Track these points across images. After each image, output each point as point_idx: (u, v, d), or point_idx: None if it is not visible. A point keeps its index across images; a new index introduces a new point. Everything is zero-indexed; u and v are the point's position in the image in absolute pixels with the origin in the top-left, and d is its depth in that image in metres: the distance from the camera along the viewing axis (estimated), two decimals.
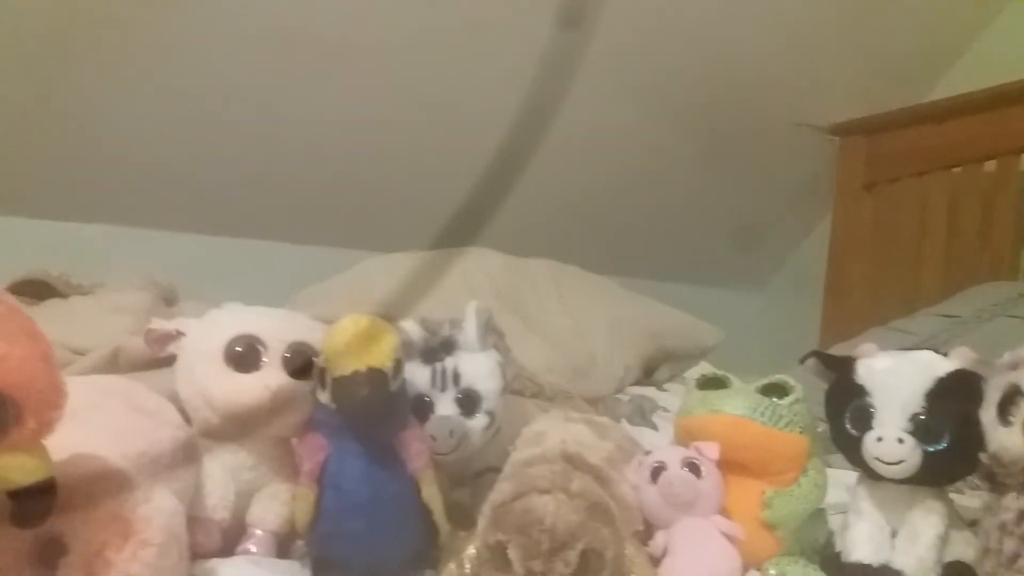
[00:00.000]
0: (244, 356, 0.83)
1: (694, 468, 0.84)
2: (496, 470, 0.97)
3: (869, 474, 0.87)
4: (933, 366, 0.85)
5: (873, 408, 0.85)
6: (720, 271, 2.68)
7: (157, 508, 0.64)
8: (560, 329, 1.65)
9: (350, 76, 2.01)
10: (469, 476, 0.99)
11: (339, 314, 0.89)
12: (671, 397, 1.54)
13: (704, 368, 1.68)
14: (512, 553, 0.73)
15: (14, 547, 0.61)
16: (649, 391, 1.56)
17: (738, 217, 2.62)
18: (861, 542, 0.87)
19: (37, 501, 0.55)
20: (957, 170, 2.14)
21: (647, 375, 1.69)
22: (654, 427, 1.36)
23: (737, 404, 0.88)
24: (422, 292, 1.72)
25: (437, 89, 2.07)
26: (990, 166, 2.09)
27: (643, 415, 1.37)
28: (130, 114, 1.92)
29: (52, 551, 0.60)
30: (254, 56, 1.91)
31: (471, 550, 0.84)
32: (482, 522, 0.80)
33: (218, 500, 0.83)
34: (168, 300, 1.24)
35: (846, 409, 0.87)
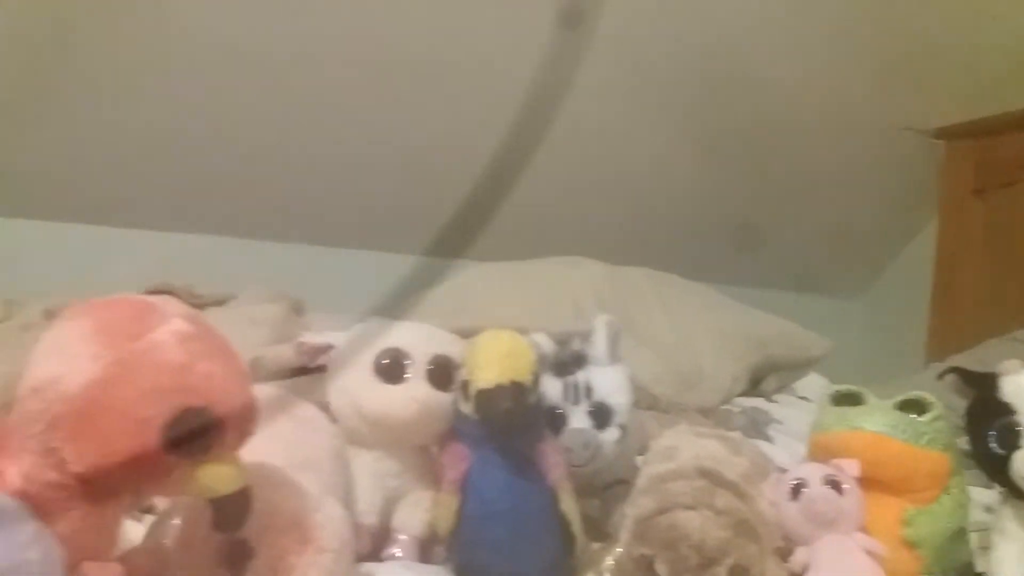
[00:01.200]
0: (391, 368, 0.86)
1: (835, 485, 0.84)
2: (625, 482, 0.98)
3: (1016, 494, 0.85)
4: None
5: (1021, 427, 0.83)
6: (818, 278, 2.63)
7: (329, 515, 0.68)
8: (666, 339, 1.65)
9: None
10: (598, 488, 1.00)
11: (476, 328, 0.92)
12: (783, 408, 1.53)
13: (817, 380, 1.67)
14: (660, 568, 0.75)
15: (205, 549, 0.65)
16: (759, 402, 1.55)
17: (835, 223, 2.57)
18: (1007, 562, 0.85)
19: (236, 508, 0.59)
20: None
21: (753, 386, 1.68)
22: (769, 439, 1.35)
23: (877, 421, 0.88)
24: (523, 301, 1.75)
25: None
26: None
27: (757, 428, 1.36)
28: (235, 127, 1.99)
29: (240, 555, 0.64)
30: (359, 81, 1.96)
31: (609, 561, 0.86)
32: (624, 535, 0.81)
33: (367, 505, 0.87)
34: (297, 311, 1.30)
35: (991, 427, 0.86)
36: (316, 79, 1.97)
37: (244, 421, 0.59)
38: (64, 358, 0.56)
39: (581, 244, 1.98)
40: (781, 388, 1.65)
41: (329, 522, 0.67)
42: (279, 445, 0.74)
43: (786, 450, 1.28)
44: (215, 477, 0.58)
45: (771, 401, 1.57)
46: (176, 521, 0.70)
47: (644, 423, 1.24)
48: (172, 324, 0.58)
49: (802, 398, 1.62)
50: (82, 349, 0.56)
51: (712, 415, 1.42)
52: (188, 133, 1.98)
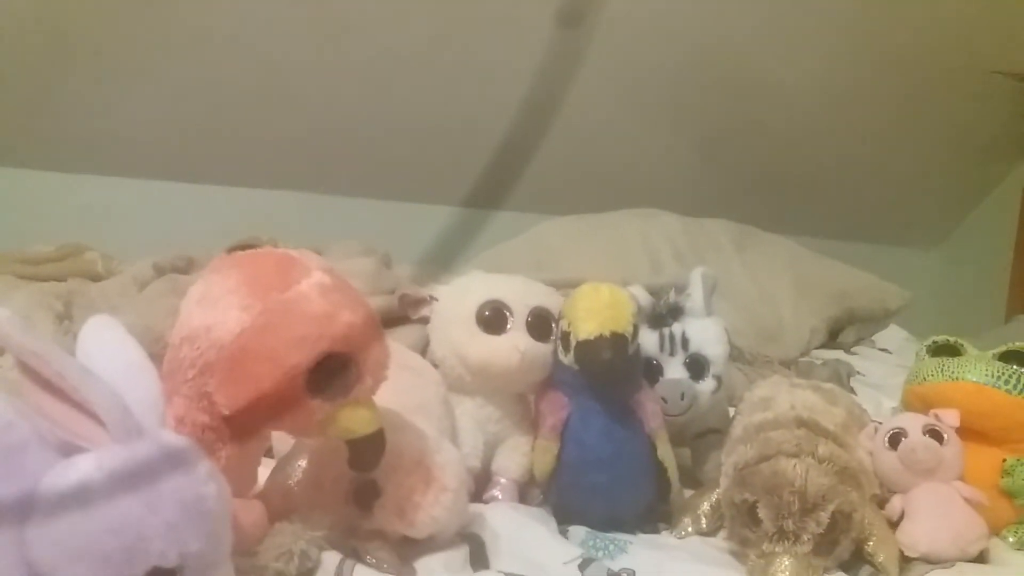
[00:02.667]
0: (493, 319, 0.89)
1: (935, 435, 0.84)
2: (716, 431, 1.00)
3: None
4: None
5: None
6: (896, 228, 2.57)
7: (448, 458, 0.72)
8: (744, 291, 1.65)
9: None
10: (689, 437, 1.03)
11: (572, 280, 0.94)
12: (863, 361, 1.52)
13: (896, 331, 1.65)
14: (763, 512, 0.77)
15: (335, 490, 0.69)
16: (839, 354, 1.54)
17: (915, 171, 2.50)
18: None
19: (372, 449, 0.63)
20: None
21: (832, 338, 1.67)
22: (852, 391, 1.35)
23: (979, 371, 0.88)
24: (601, 254, 1.76)
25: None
26: None
27: (840, 379, 1.36)
28: (311, 84, 2.01)
29: (369, 494, 0.68)
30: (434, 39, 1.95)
31: (706, 506, 0.89)
32: (725, 481, 0.83)
33: (470, 449, 0.90)
34: (386, 264, 1.33)
35: None
36: (384, 38, 1.97)
37: (379, 367, 0.62)
38: (216, 309, 0.60)
39: (656, 196, 1.98)
40: (860, 340, 1.64)
41: (449, 463, 0.71)
42: (392, 392, 0.76)
43: (869, 401, 1.28)
44: (355, 419, 0.61)
45: (850, 353, 1.57)
46: (301, 463, 0.74)
47: (731, 374, 1.25)
48: (314, 276, 0.62)
49: (882, 350, 1.61)
50: (233, 300, 0.59)
51: (793, 367, 1.43)
52: (269, 92, 2.01)
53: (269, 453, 0.90)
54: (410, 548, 0.70)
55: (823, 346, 1.63)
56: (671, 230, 1.80)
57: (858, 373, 1.41)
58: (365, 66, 2.01)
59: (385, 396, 0.75)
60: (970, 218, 2.63)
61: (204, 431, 0.61)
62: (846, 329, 1.70)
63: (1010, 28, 2.13)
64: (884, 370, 1.45)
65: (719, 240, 1.79)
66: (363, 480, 0.68)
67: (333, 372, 0.60)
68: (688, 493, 0.95)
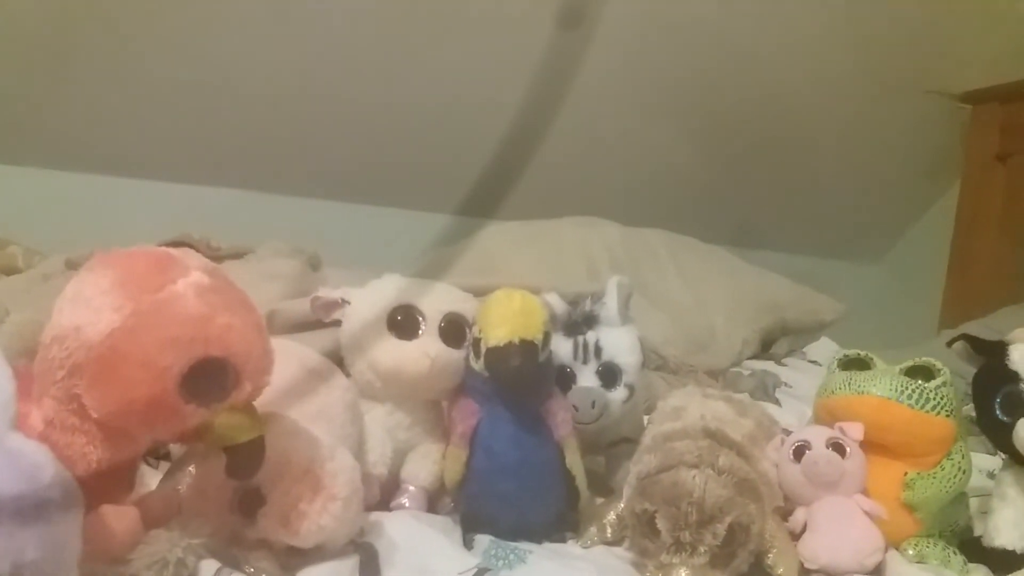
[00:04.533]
0: (405, 324, 0.88)
1: (839, 448, 0.85)
2: (630, 441, 1.00)
3: (1018, 460, 0.86)
4: None
5: None
6: (839, 243, 2.62)
7: (340, 464, 0.70)
8: (678, 301, 1.66)
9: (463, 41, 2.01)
10: (603, 445, 1.02)
11: (488, 286, 0.94)
12: (792, 372, 1.53)
13: (828, 344, 1.67)
14: (660, 523, 0.76)
15: (218, 497, 0.67)
16: (769, 365, 1.56)
17: (858, 187, 2.54)
18: (1005, 528, 0.86)
19: (250, 457, 0.61)
20: None
21: (764, 348, 1.69)
22: (777, 403, 1.36)
23: (884, 386, 0.88)
24: (538, 261, 1.75)
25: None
26: None
27: (766, 390, 1.37)
28: (258, 81, 1.99)
29: (252, 502, 0.66)
30: (382, 31, 1.95)
31: (612, 516, 0.88)
32: (628, 491, 0.83)
33: (378, 457, 0.89)
34: (313, 266, 1.31)
35: (997, 394, 0.86)
36: (333, 32, 1.96)
37: (260, 372, 0.61)
38: (86, 308, 0.58)
39: (601, 206, 1.99)
40: (792, 352, 1.66)
41: (340, 471, 0.69)
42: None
43: (794, 413, 1.29)
44: (231, 426, 0.60)
45: (781, 364, 1.58)
46: (191, 468, 0.72)
47: (652, 383, 1.25)
48: (192, 276, 0.60)
49: (812, 362, 1.63)
50: (104, 300, 0.57)
51: (721, 377, 1.43)
52: (209, 86, 1.98)
53: (168, 457, 0.88)
54: (297, 558, 0.68)
55: (755, 357, 1.64)
56: (610, 239, 1.81)
57: (785, 384, 1.42)
58: (309, 63, 1.99)
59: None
60: (909, 234, 2.68)
61: (74, 434, 0.59)
62: (779, 340, 1.72)
63: (945, 49, 2.18)
64: (811, 382, 1.46)
65: (657, 249, 1.80)
66: (247, 488, 0.66)
67: (209, 376, 0.58)
68: (601, 502, 0.95)
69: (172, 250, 0.62)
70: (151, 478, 0.81)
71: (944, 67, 2.27)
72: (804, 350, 1.67)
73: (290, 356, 0.80)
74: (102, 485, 0.59)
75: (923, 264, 2.47)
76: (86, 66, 1.88)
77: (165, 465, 0.84)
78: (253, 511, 0.66)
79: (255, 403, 0.64)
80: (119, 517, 0.60)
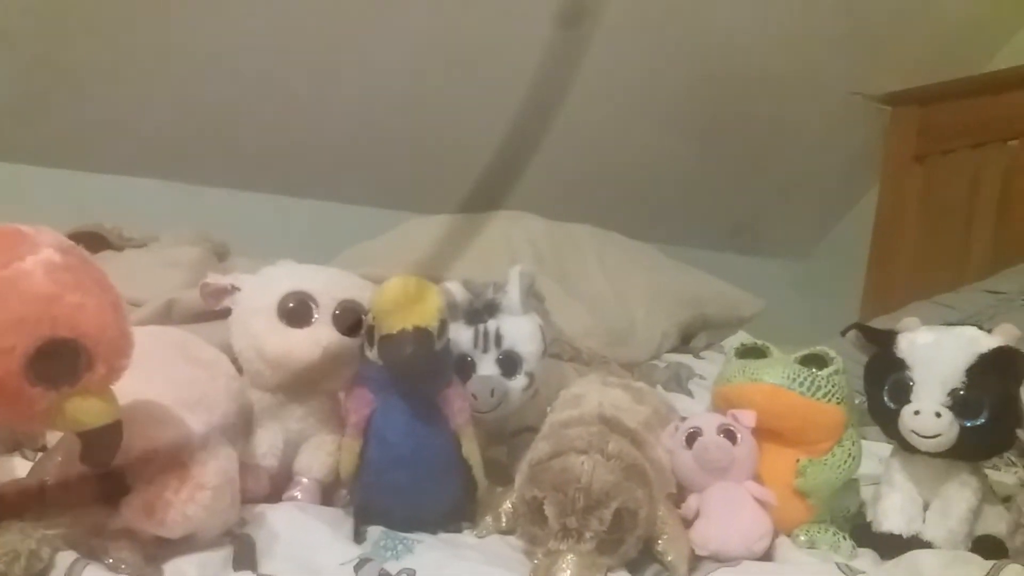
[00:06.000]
0: (296, 312, 0.86)
1: (730, 435, 0.85)
2: (533, 430, 0.99)
3: (905, 447, 0.87)
4: (976, 342, 0.85)
5: (912, 382, 0.86)
6: (763, 240, 2.66)
7: (212, 454, 0.68)
8: (600, 295, 1.66)
9: (392, 32, 2.00)
10: (507, 435, 1.02)
11: (387, 274, 0.92)
12: (708, 365, 1.55)
13: (743, 337, 1.69)
14: (548, 509, 0.76)
15: (80, 485, 0.65)
16: (686, 358, 1.57)
17: (785, 186, 2.59)
18: (892, 513, 0.88)
19: (105, 442, 0.59)
20: (1013, 143, 2.08)
21: (684, 342, 1.70)
22: (690, 394, 1.37)
23: (776, 373, 0.89)
24: (462, 254, 1.75)
25: (472, 48, 2.05)
26: None
27: (679, 382, 1.38)
28: (179, 69, 1.94)
29: (116, 490, 0.64)
30: (304, 19, 1.93)
31: (507, 505, 0.87)
32: (519, 479, 0.82)
33: (267, 448, 0.87)
34: (219, 255, 1.28)
35: (885, 382, 0.88)
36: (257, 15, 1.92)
37: (115, 355, 0.58)
38: None
39: (533, 200, 1.98)
40: (710, 345, 1.67)
41: (211, 460, 0.67)
42: (169, 384, 0.73)
43: (705, 403, 1.30)
44: (83, 410, 0.57)
45: (698, 357, 1.60)
46: (58, 457, 0.69)
47: (566, 374, 1.25)
48: (42, 254, 0.57)
49: None
50: None
51: (637, 369, 1.44)
52: (133, 74, 1.93)
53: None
54: (166, 548, 0.66)
55: (675, 350, 1.66)
56: (535, 233, 1.81)
57: (699, 376, 1.44)
58: (224, 52, 1.95)
59: (159, 388, 0.72)
60: (833, 232, 2.74)
61: None
62: (699, 335, 1.73)
63: (868, 51, 2.24)
64: None
65: (581, 244, 1.80)
66: (110, 476, 0.64)
67: (58, 358, 0.56)
68: (500, 491, 0.94)
69: (24, 227, 0.59)
70: (25, 471, 0.78)
71: (867, 69, 2.33)
72: (721, 343, 1.69)
73: (168, 342, 0.78)
74: None
75: (846, 261, 2.52)
76: None
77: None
78: (117, 500, 0.64)
79: (117, 387, 0.62)
80: None
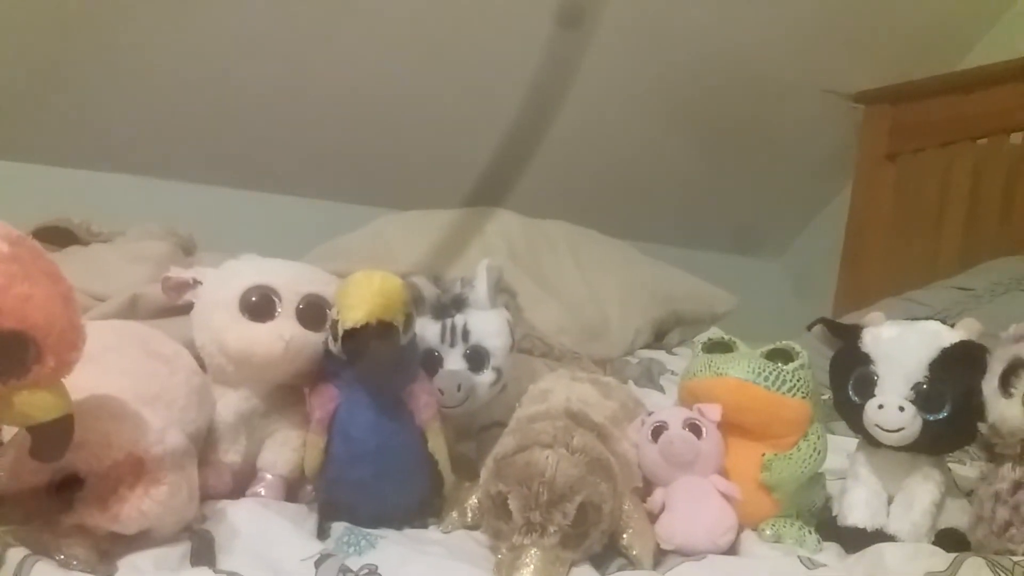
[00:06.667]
0: (259, 306, 0.85)
1: (695, 429, 0.85)
2: (501, 425, 0.99)
3: (869, 441, 0.88)
4: (939, 336, 0.86)
5: (876, 376, 0.86)
6: (738, 239, 2.67)
7: (169, 449, 0.67)
8: (574, 291, 1.66)
9: (371, 31, 2.00)
10: (475, 430, 1.01)
11: (354, 269, 0.91)
12: (680, 360, 1.55)
13: (713, 333, 1.70)
14: (512, 503, 0.75)
15: (34, 480, 0.63)
16: (659, 354, 1.57)
17: (760, 185, 2.60)
18: (857, 506, 0.88)
19: (56, 437, 0.58)
20: (983, 142, 2.10)
21: (658, 339, 1.70)
22: (661, 389, 1.37)
23: (741, 368, 0.89)
24: (438, 251, 1.74)
25: (459, 48, 2.06)
26: (1016, 138, 2.06)
27: (651, 377, 1.38)
28: (151, 64, 1.92)
29: (69, 485, 0.63)
30: (278, 11, 1.91)
31: (473, 500, 0.87)
32: (484, 473, 0.82)
33: (230, 444, 0.86)
34: (187, 250, 1.26)
35: (850, 376, 0.88)
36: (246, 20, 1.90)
37: (65, 347, 0.57)
38: None
39: (512, 197, 1.98)
40: (683, 341, 1.68)
41: (169, 455, 0.66)
42: (126, 378, 0.72)
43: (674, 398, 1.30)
44: (32, 404, 0.56)
45: (671, 353, 1.60)
46: (11, 452, 0.68)
47: (537, 370, 1.25)
48: None
49: None
50: None
51: (609, 365, 1.44)
52: (118, 70, 1.90)
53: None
54: (122, 544, 0.65)
55: (648, 346, 1.66)
56: (509, 229, 1.80)
57: (671, 371, 1.44)
58: (204, 45, 1.93)
59: (117, 383, 0.71)
60: (807, 230, 2.76)
61: None
62: (672, 331, 1.74)
63: (841, 49, 2.25)
64: None
65: (555, 241, 1.80)
66: (63, 471, 0.62)
67: (6, 351, 0.54)
68: (467, 487, 0.93)
69: None
70: None
71: (840, 68, 2.34)
72: (695, 340, 1.69)
73: (129, 336, 0.77)
74: None
75: (820, 260, 2.54)
76: None
77: None
78: (70, 496, 0.63)
79: (75, 381, 0.61)
80: None
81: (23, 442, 0.66)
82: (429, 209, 1.89)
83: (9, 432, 0.78)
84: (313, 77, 2.06)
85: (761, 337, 1.06)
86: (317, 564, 0.71)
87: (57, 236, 1.43)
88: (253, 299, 0.85)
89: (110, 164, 2.04)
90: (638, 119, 2.34)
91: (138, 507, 0.63)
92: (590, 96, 2.20)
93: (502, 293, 1.04)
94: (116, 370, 0.73)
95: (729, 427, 0.89)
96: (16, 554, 0.59)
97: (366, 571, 0.72)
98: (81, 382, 0.62)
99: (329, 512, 0.85)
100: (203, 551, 0.68)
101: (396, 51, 2.04)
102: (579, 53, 1.99)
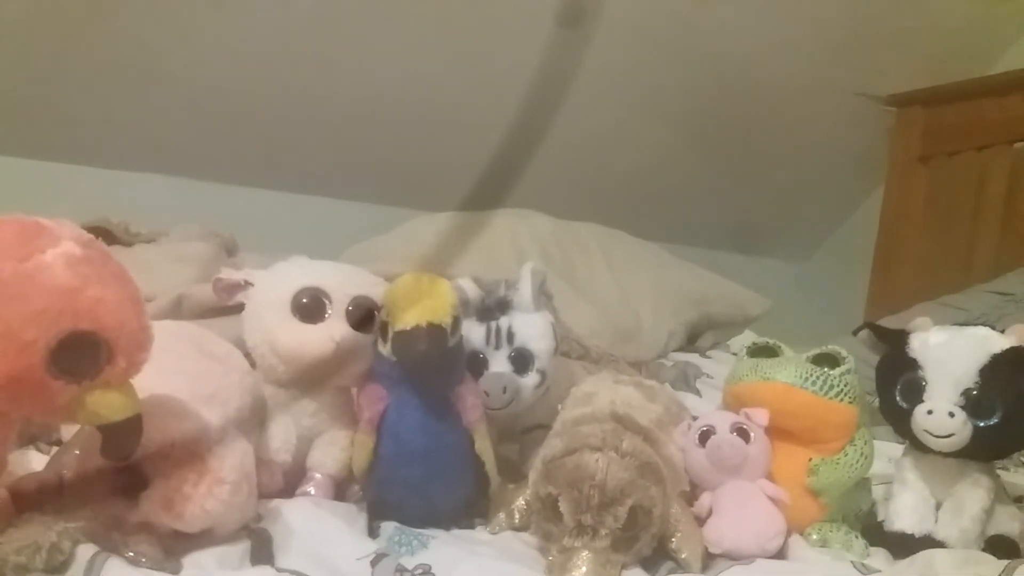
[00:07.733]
0: (310, 307, 0.86)
1: (743, 433, 0.86)
2: (544, 427, 0.99)
3: (917, 446, 0.87)
4: (989, 342, 0.85)
5: (925, 381, 0.85)
6: (767, 241, 2.66)
7: (230, 448, 0.68)
8: (607, 293, 1.66)
9: (401, 34, 2.01)
10: (518, 432, 1.02)
11: (398, 271, 0.92)
12: (715, 364, 1.55)
13: (751, 337, 1.69)
14: (563, 506, 0.76)
15: (101, 479, 0.65)
16: (693, 357, 1.57)
17: (788, 187, 2.59)
18: (904, 512, 0.88)
19: (125, 436, 0.59)
20: (1019, 145, 2.08)
21: (691, 341, 1.70)
22: (698, 393, 1.37)
23: (789, 372, 0.89)
24: (468, 251, 1.75)
25: (492, 52, 2.06)
26: None
27: (687, 381, 1.38)
28: (193, 66, 1.94)
29: (134, 484, 0.64)
30: (314, 18, 1.93)
31: (520, 501, 0.88)
32: (533, 475, 0.82)
33: (281, 443, 0.87)
34: (229, 251, 1.28)
35: (897, 381, 0.88)
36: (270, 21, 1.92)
37: (135, 348, 0.58)
38: None
39: (539, 199, 1.98)
40: (716, 344, 1.67)
41: (229, 455, 0.67)
42: (184, 379, 0.73)
43: (713, 403, 1.30)
44: (104, 403, 0.57)
45: (705, 356, 1.60)
46: (76, 451, 0.69)
47: (575, 372, 1.25)
48: (62, 247, 0.57)
49: (735, 355, 1.65)
50: None
51: (645, 368, 1.44)
52: (142, 71, 1.93)
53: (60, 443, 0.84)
54: (184, 542, 0.66)
55: (681, 349, 1.65)
56: (541, 231, 1.80)
57: (706, 375, 1.44)
58: (240, 42, 1.95)
59: (174, 383, 0.72)
60: (838, 232, 2.74)
61: None
62: (705, 334, 1.73)
63: (873, 53, 2.23)
64: None
65: (587, 243, 1.80)
66: (129, 470, 0.63)
67: (79, 351, 0.56)
68: (512, 488, 0.94)
69: (44, 220, 0.59)
70: (41, 464, 0.77)
71: (873, 71, 2.33)
72: (728, 343, 1.69)
73: (182, 337, 0.78)
74: None
75: (850, 262, 2.52)
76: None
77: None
78: (135, 494, 0.64)
79: (135, 382, 0.62)
80: None
81: (88, 440, 0.67)
82: (460, 211, 1.90)
83: (67, 430, 0.80)
84: (345, 79, 2.07)
85: (789, 341, 1.06)
86: (373, 563, 0.72)
87: (97, 236, 1.45)
88: (304, 301, 0.86)
89: (144, 164, 2.07)
90: (663, 124, 2.34)
91: (202, 505, 0.64)
92: (620, 99, 2.20)
93: (543, 295, 1.05)
94: (171, 370, 0.74)
95: (775, 431, 0.88)
96: (86, 551, 0.61)
97: (420, 571, 0.73)
98: (141, 382, 0.63)
99: (378, 511, 0.86)
100: (262, 549, 0.69)
101: (429, 54, 2.06)
102: (612, 57, 1.99)
